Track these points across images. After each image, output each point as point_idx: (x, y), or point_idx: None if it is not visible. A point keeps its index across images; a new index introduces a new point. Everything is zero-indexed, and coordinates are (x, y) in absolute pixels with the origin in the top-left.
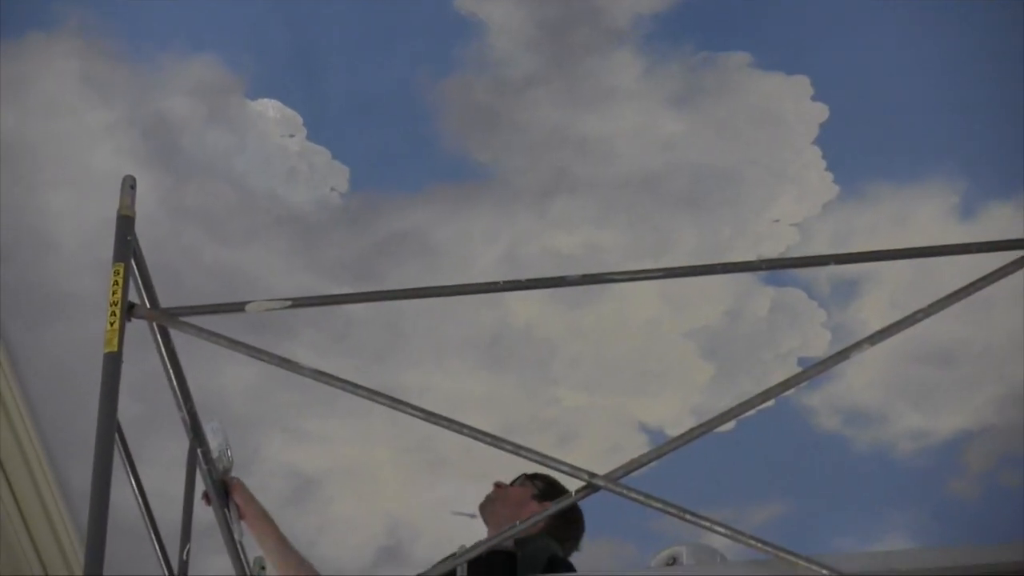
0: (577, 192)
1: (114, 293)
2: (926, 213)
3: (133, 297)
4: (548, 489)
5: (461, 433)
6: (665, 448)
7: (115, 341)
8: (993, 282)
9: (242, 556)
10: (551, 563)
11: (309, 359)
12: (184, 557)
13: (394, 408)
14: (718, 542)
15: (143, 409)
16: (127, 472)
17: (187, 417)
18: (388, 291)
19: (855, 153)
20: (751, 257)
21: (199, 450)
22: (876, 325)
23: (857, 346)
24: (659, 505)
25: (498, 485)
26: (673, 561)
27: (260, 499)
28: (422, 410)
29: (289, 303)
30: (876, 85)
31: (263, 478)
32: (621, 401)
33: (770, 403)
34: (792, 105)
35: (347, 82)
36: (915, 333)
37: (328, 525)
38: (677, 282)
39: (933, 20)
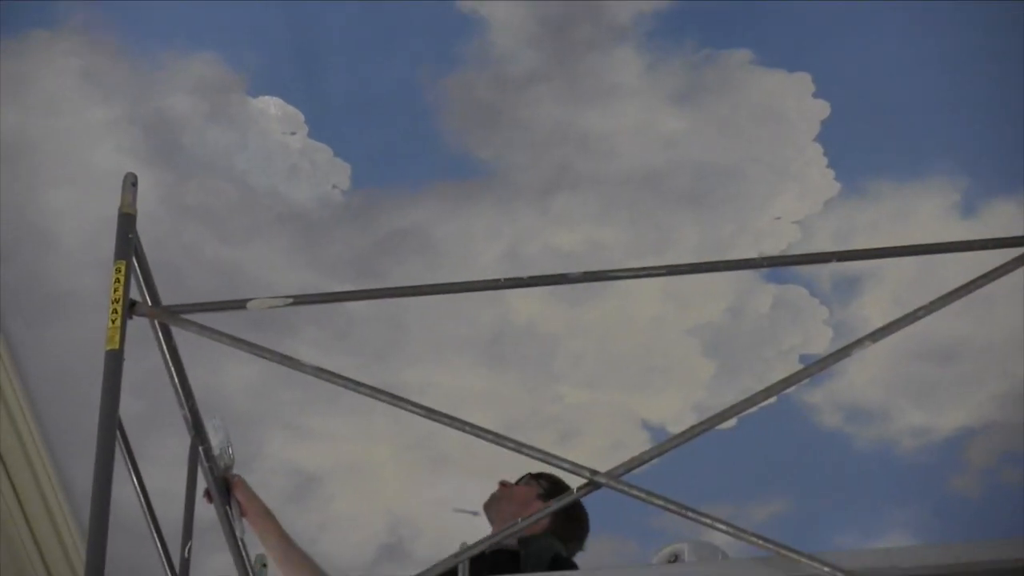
0: (579, 189)
1: (115, 291)
2: (927, 210)
3: (134, 295)
4: (553, 488)
5: (463, 430)
6: (667, 445)
7: (116, 339)
8: (994, 279)
9: (243, 554)
10: (555, 562)
11: (311, 356)
12: (186, 554)
13: (396, 405)
14: (720, 539)
15: (145, 407)
16: (129, 470)
17: (189, 415)
18: (390, 288)
19: (856, 150)
20: (753, 254)
21: (201, 447)
22: (878, 322)
23: (859, 343)
24: (661, 502)
25: (503, 484)
26: (675, 558)
27: (261, 496)
28: (424, 407)
29: (291, 300)
30: (878, 82)
31: (264, 475)
32: (623, 398)
33: (772, 400)
34: (794, 102)
35: (349, 79)
36: (916, 330)
37: (329, 522)
38: (679, 279)
39: (935, 18)
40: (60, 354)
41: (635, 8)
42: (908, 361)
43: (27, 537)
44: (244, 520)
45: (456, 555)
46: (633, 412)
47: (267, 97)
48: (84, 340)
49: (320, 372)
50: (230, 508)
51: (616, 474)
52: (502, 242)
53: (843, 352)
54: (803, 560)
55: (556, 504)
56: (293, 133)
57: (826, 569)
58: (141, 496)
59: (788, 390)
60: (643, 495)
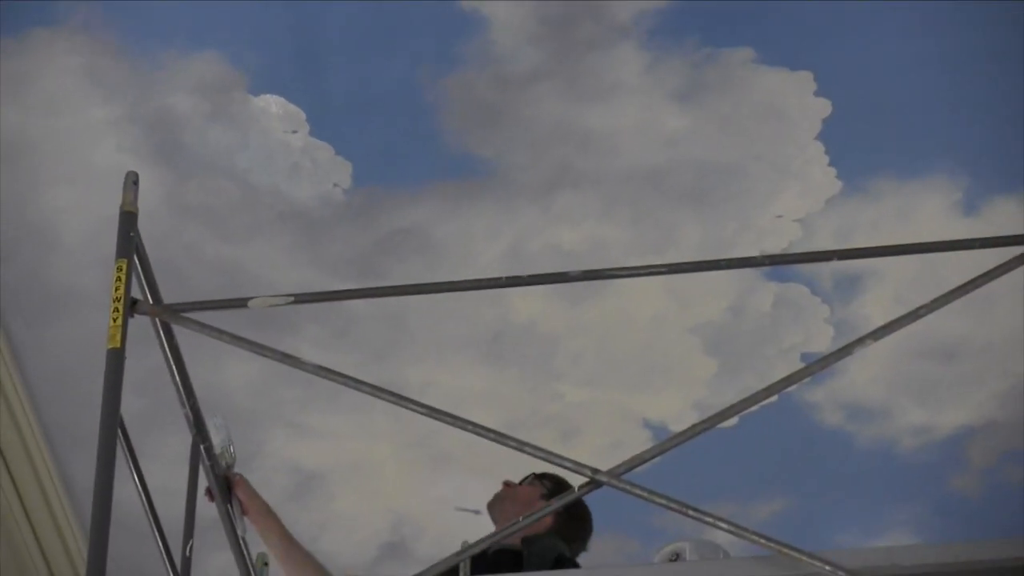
0: (580, 188)
1: (117, 289)
2: (929, 209)
3: (136, 293)
4: (557, 489)
5: (464, 429)
6: (668, 444)
7: (118, 337)
8: (995, 278)
9: (245, 552)
10: (557, 562)
11: (312, 355)
12: (187, 553)
13: (397, 404)
14: (721, 538)
15: (146, 405)
16: (130, 468)
17: (190, 413)
18: (391, 287)
19: (858, 149)
20: (754, 253)
21: (202, 446)
22: (879, 321)
23: (860, 342)
24: (662, 501)
25: (507, 484)
26: (676, 557)
27: (263, 495)
28: (425, 406)
29: (292, 299)
30: (879, 81)
31: (266, 474)
32: (624, 397)
33: (773, 399)
34: (795, 101)
35: (350, 78)
36: (918, 329)
37: (331, 521)
38: (680, 278)
39: (936, 17)
40: (61, 353)
41: (636, 7)
42: (909, 360)
43: (29, 536)
44: (245, 518)
45: (457, 554)
46: (634, 411)
47: (268, 96)
48: (85, 339)
49: (321, 370)
50: (231, 506)
51: (617, 473)
52: (503, 241)
53: (844, 351)
54: (804, 559)
55: (558, 502)
56: (294, 132)
57: (827, 568)
58: (142, 494)
59: (789, 388)
60: (644, 494)
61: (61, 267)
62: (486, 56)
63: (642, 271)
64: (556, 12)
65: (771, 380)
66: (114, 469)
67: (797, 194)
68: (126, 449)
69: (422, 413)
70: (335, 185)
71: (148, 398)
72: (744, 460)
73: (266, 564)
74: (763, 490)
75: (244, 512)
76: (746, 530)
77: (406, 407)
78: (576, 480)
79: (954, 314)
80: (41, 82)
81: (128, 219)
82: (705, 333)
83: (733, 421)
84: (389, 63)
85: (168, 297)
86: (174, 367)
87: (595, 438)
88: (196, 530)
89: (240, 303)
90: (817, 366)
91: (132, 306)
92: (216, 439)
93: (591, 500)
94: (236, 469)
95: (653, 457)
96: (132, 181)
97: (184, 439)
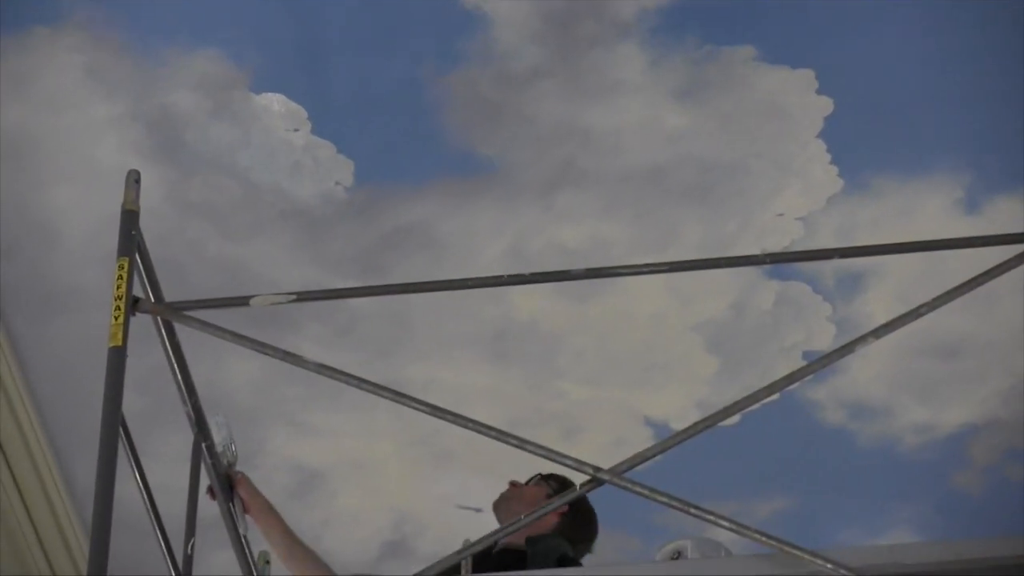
0: (582, 185)
1: (118, 288)
2: (931, 207)
3: (138, 291)
4: (562, 489)
5: (466, 427)
6: (670, 442)
7: (119, 335)
8: (997, 276)
9: (246, 550)
10: (561, 563)
11: (314, 353)
12: (188, 551)
13: (399, 402)
14: (723, 536)
15: (148, 403)
16: (131, 466)
17: (191, 411)
18: (393, 285)
19: (860, 147)
20: (756, 251)
21: (203, 444)
22: (881, 319)
23: (862, 340)
24: (664, 499)
25: (513, 484)
26: (678, 555)
27: (264, 493)
28: (427, 404)
29: (294, 297)
30: (881, 79)
31: (268, 472)
32: (626, 395)
33: (775, 397)
34: (797, 99)
35: (352, 76)
36: (920, 327)
37: (333, 519)
38: (682, 276)
39: (938, 14)
40: (63, 351)
41: (638, 4)
42: (911, 358)
43: (30, 534)
44: (247, 517)
45: (459, 552)
46: (636, 409)
47: (270, 94)
48: (87, 337)
49: (323, 369)
50: (233, 505)
51: (619, 471)
52: (505, 238)
53: (846, 349)
54: (806, 557)
55: (560, 500)
56: (296, 130)
57: (829, 566)
58: (144, 493)
59: (791, 387)
60: (646, 492)
61: (63, 265)
62: (488, 54)
63: (644, 269)
64: (558, 10)
65: (773, 378)
66: (115, 467)
67: (799, 192)
68: (127, 447)
69: (424, 411)
70: (337, 183)
71: (150, 396)
72: (746, 458)
73: (268, 562)
74: (765, 488)
75: (246, 510)
76: (748, 528)
77: (408, 405)
78: (577, 478)
79: (956, 312)
80: (42, 80)
81: (130, 217)
82: (707, 331)
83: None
84: (391, 61)
85: (170, 295)
86: (176, 365)
87: (597, 436)
88: (198, 528)
89: (242, 301)
90: (819, 364)
91: (134, 304)
92: (218, 437)
93: (593, 498)
94: (238, 467)
95: (655, 455)
96: (134, 179)
97: (186, 437)
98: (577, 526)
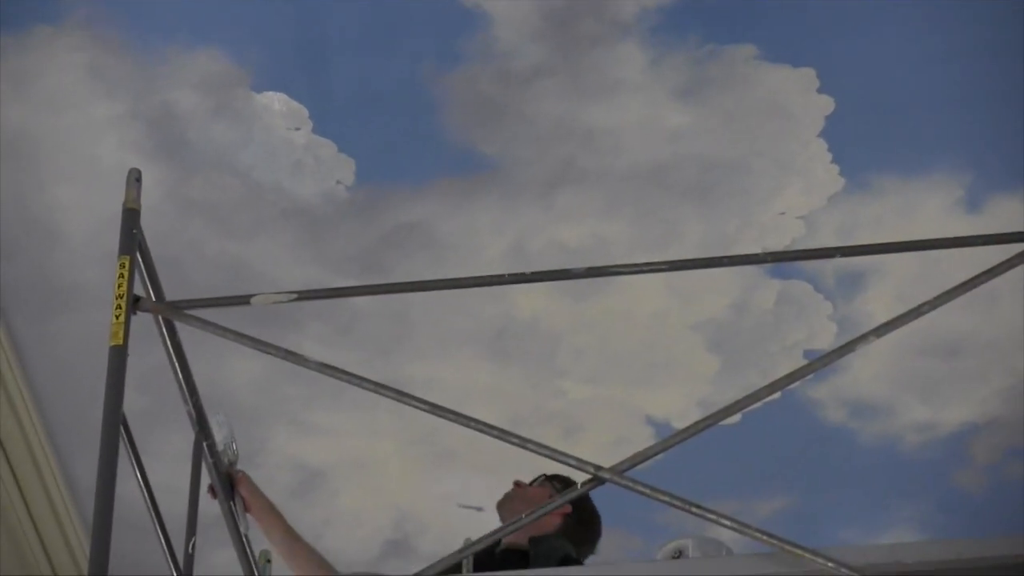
0: (583, 184)
1: (119, 286)
2: (932, 206)
3: (139, 290)
4: (566, 491)
5: (467, 426)
6: (671, 441)
7: (121, 334)
8: (998, 275)
9: (247, 549)
10: (563, 564)
11: (315, 352)
12: (189, 550)
13: (400, 401)
14: (724, 535)
15: (149, 402)
16: (132, 465)
17: (193, 410)
18: (394, 284)
19: (861, 146)
20: (757, 249)
21: (204, 443)
22: (882, 317)
23: (863, 339)
24: (665, 498)
25: (517, 484)
26: (679, 554)
27: (266, 492)
28: (428, 403)
29: (295, 296)
30: (882, 78)
31: (269, 471)
32: (627, 394)
33: (776, 396)
34: (798, 97)
35: (353, 75)
36: (921, 326)
37: (334, 518)
38: (683, 274)
39: (939, 13)
40: (64, 350)
41: (639, 3)
42: (912, 356)
43: (31, 533)
44: (248, 516)
45: (460, 551)
46: (637, 408)
47: (271, 93)
48: (88, 336)
49: (324, 367)
50: (234, 504)
51: (620, 469)
52: (506, 237)
53: (847, 347)
54: (807, 556)
55: (561, 499)
56: (297, 128)
57: (830, 565)
58: (145, 492)
59: (792, 385)
60: (647, 491)
61: (64, 264)
62: (489, 53)
63: (645, 268)
64: (559, 8)
65: (774, 377)
66: (116, 466)
67: (800, 191)
68: (129, 446)
69: (425, 410)
70: (338, 182)
71: (151, 395)
72: (747, 457)
73: (269, 561)
74: (766, 487)
75: (247, 509)
76: (749, 527)
77: (409, 404)
78: (580, 478)
79: (957, 311)
80: (43, 79)
81: (131, 216)
82: (708, 330)
83: (736, 418)
84: (392, 60)
85: (171, 294)
86: (177, 364)
87: (598, 435)
88: (199, 527)
89: (243, 300)
90: (820, 363)
91: (135, 303)
92: (219, 436)
93: (594, 496)
94: (239, 466)
95: (656, 454)
96: (135, 178)
97: (187, 436)
98: (581, 528)
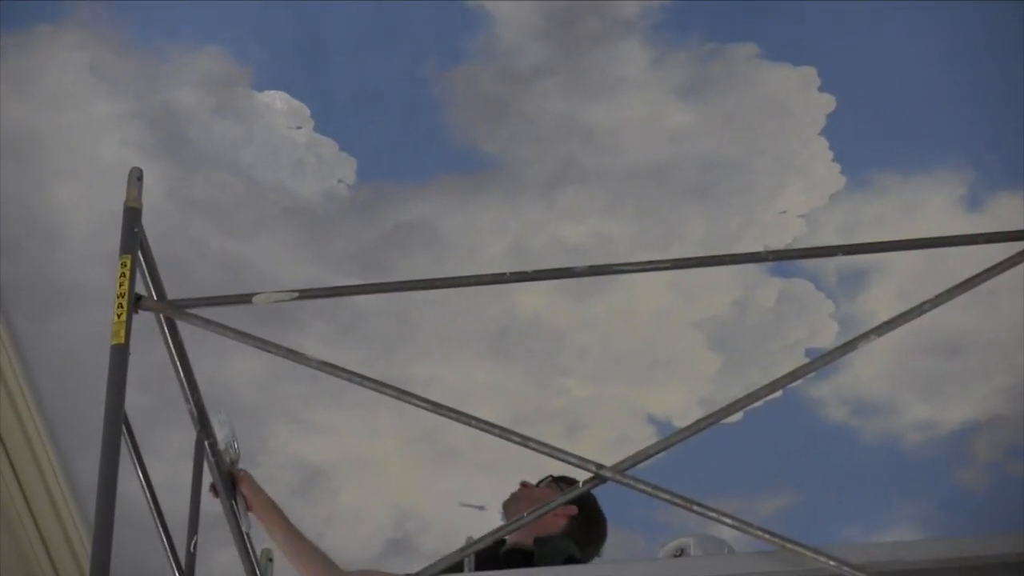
0: (585, 183)
1: (121, 285)
2: (933, 204)
3: (140, 289)
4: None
5: (468, 424)
6: (673, 439)
7: (122, 333)
8: (1000, 273)
9: (249, 548)
10: (567, 563)
11: (316, 350)
12: (191, 549)
13: (401, 399)
14: (726, 533)
15: (150, 401)
16: (134, 464)
17: (194, 409)
18: (395, 282)
19: (862, 144)
20: (758, 248)
21: (206, 442)
22: (883, 316)
23: (864, 337)
24: (667, 496)
25: (524, 484)
26: (681, 552)
27: (267, 490)
28: (429, 401)
29: (296, 295)
30: (883, 76)
31: (270, 469)
32: (629, 392)
33: (777, 394)
34: (799, 96)
35: (354, 74)
36: (922, 324)
37: (335, 517)
38: (684, 273)
39: (940, 12)
40: (65, 349)
41: (640, 2)
42: (914, 355)
43: (32, 532)
44: (250, 514)
45: (462, 549)
46: (639, 406)
47: (273, 91)
48: (89, 334)
49: (326, 366)
50: (236, 502)
51: (622, 468)
52: (508, 236)
53: (848, 346)
54: (809, 554)
55: (563, 498)
56: (299, 127)
57: (832, 563)
58: (146, 490)
59: (794, 384)
60: (649, 489)
61: (65, 263)
62: (490, 51)
63: (647, 266)
64: (560, 7)
65: (775, 375)
66: (118, 465)
67: (801, 189)
68: (130, 445)
69: (427, 408)
70: (340, 181)
71: (152, 394)
72: (748, 455)
73: (271, 560)
74: (767, 485)
75: (248, 508)
76: (751, 525)
77: (410, 403)
78: (582, 477)
79: (958, 309)
80: (45, 78)
81: (132, 215)
82: (709, 328)
83: (737, 416)
84: (393, 59)
85: (172, 293)
86: (178, 363)
87: (600, 433)
88: (200, 526)
89: (244, 299)
90: (821, 361)
91: (136, 302)
92: (220, 435)
93: (596, 495)
94: (240, 465)
95: (658, 452)
96: (136, 177)
97: (188, 435)
98: (586, 529)
